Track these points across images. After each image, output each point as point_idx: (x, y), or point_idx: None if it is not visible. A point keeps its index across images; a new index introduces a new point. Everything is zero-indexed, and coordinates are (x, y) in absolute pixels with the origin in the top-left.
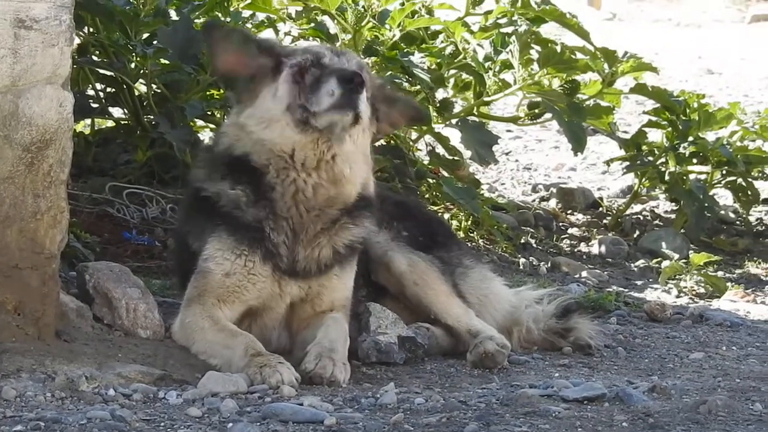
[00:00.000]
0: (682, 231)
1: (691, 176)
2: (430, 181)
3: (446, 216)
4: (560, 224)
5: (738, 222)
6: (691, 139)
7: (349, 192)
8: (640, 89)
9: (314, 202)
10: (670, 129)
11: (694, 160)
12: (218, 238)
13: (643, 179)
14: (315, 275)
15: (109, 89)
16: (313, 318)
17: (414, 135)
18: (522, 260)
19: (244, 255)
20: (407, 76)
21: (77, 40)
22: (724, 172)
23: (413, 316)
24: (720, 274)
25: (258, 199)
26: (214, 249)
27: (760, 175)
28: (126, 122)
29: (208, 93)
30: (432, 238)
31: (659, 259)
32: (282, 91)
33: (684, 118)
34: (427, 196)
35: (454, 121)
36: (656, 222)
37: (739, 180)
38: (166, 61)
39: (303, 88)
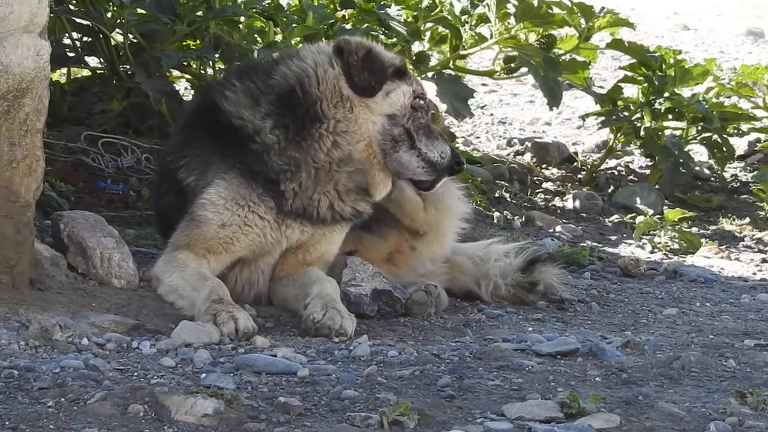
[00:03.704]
0: (657, 186)
1: (667, 132)
2: None
3: None
4: (535, 178)
5: (713, 178)
6: (666, 94)
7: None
8: (616, 44)
9: (339, 154)
10: (645, 84)
11: (670, 116)
12: (227, 182)
13: (619, 134)
14: (322, 224)
15: (85, 38)
16: (295, 271)
17: None
18: (496, 214)
19: (251, 204)
20: (384, 29)
21: None
22: (699, 128)
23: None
24: (694, 230)
25: (288, 145)
26: (218, 196)
27: (736, 131)
28: (102, 72)
29: (184, 43)
30: None
31: (633, 214)
32: None
33: (660, 73)
34: None
35: (429, 74)
36: (631, 177)
37: (715, 136)
38: (143, 11)
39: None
